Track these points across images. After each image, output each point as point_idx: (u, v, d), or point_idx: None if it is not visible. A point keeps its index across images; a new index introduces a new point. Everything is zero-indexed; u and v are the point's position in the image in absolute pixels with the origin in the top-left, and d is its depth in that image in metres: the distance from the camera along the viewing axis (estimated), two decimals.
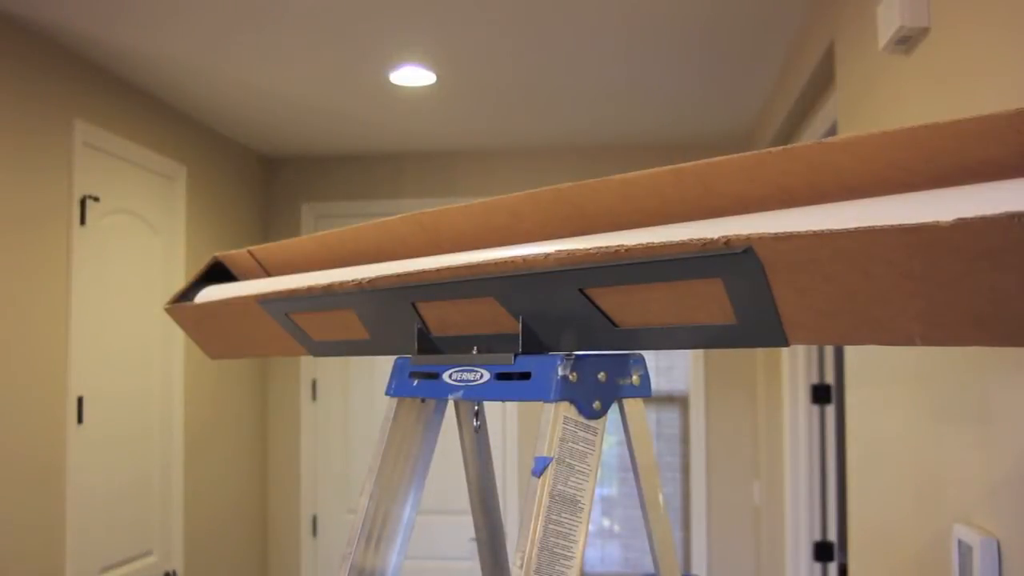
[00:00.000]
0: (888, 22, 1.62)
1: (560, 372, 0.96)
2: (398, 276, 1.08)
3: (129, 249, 3.39)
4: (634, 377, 1.02)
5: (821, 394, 3.09)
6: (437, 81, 3.29)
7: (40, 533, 2.82)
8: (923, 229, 0.62)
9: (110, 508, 3.28)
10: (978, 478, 1.31)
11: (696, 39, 2.86)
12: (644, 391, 1.03)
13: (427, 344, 1.16)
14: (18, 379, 2.66)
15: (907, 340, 0.75)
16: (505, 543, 1.26)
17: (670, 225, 0.84)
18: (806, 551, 3.10)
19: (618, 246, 0.85)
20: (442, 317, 1.13)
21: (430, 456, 1.16)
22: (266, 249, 1.39)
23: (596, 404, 0.98)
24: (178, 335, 3.71)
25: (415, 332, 1.16)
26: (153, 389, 3.58)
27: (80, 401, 3.03)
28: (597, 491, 0.96)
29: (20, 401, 2.68)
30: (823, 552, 3.06)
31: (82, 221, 3.02)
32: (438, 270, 1.02)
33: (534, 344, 1.03)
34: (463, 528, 4.31)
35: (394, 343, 1.20)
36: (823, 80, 2.50)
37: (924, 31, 1.55)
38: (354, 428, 4.52)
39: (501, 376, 1.02)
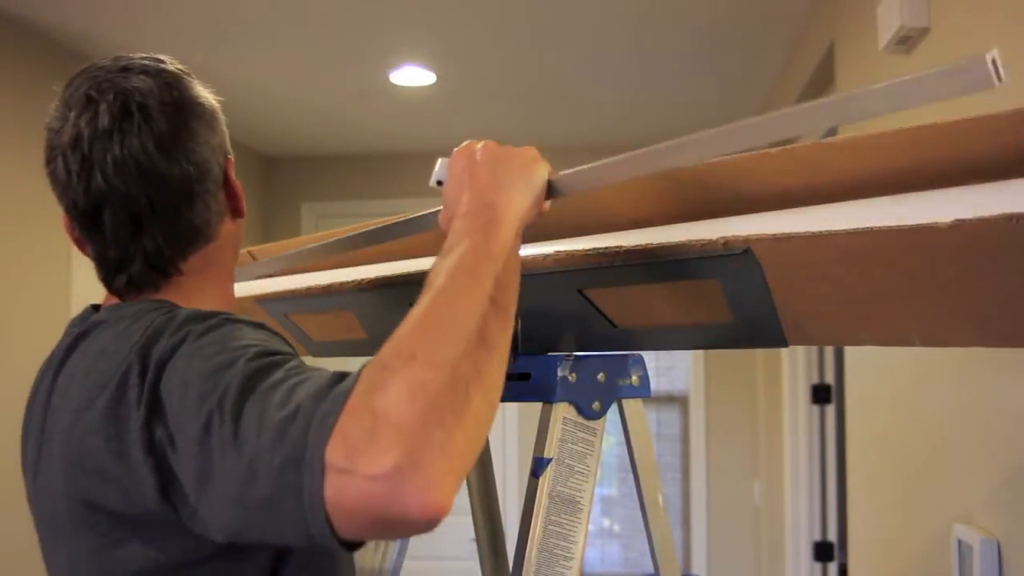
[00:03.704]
0: (888, 22, 1.62)
1: (560, 373, 0.96)
2: (397, 276, 1.08)
3: None
4: (633, 377, 1.02)
5: (821, 394, 3.09)
6: (437, 81, 3.28)
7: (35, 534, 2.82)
8: (922, 230, 0.62)
9: None
10: (978, 478, 1.31)
11: (696, 40, 2.86)
12: (644, 391, 1.03)
13: None
14: (19, 377, 2.66)
15: (906, 341, 0.75)
16: (505, 543, 1.26)
17: (669, 226, 0.84)
18: (806, 551, 3.10)
19: (617, 247, 0.85)
20: None
21: None
22: (266, 249, 1.39)
23: (595, 405, 0.98)
24: None
25: None
26: None
27: None
28: (597, 491, 0.96)
29: (21, 401, 2.68)
30: (823, 552, 3.05)
31: None
32: None
33: (534, 345, 1.03)
34: (463, 528, 4.31)
35: None
36: (823, 80, 2.49)
37: (924, 31, 1.55)
38: None
39: None
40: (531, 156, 0.82)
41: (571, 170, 0.82)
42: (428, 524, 0.57)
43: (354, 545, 0.62)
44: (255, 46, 2.95)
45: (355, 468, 0.56)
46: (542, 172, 0.81)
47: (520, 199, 0.77)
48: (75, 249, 0.86)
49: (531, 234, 0.99)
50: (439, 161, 0.86)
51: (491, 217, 0.73)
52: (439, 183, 0.85)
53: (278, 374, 0.66)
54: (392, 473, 0.55)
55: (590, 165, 0.81)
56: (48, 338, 2.92)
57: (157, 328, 0.74)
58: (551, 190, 0.82)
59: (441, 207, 0.84)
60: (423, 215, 0.94)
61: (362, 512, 0.57)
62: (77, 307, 3.35)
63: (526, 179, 0.79)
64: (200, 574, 0.72)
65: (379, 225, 1.02)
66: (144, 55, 0.86)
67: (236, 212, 0.91)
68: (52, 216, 2.96)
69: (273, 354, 0.69)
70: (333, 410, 0.59)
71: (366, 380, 0.60)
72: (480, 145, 0.82)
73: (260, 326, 0.76)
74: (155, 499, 0.69)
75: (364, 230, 1.05)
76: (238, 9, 2.63)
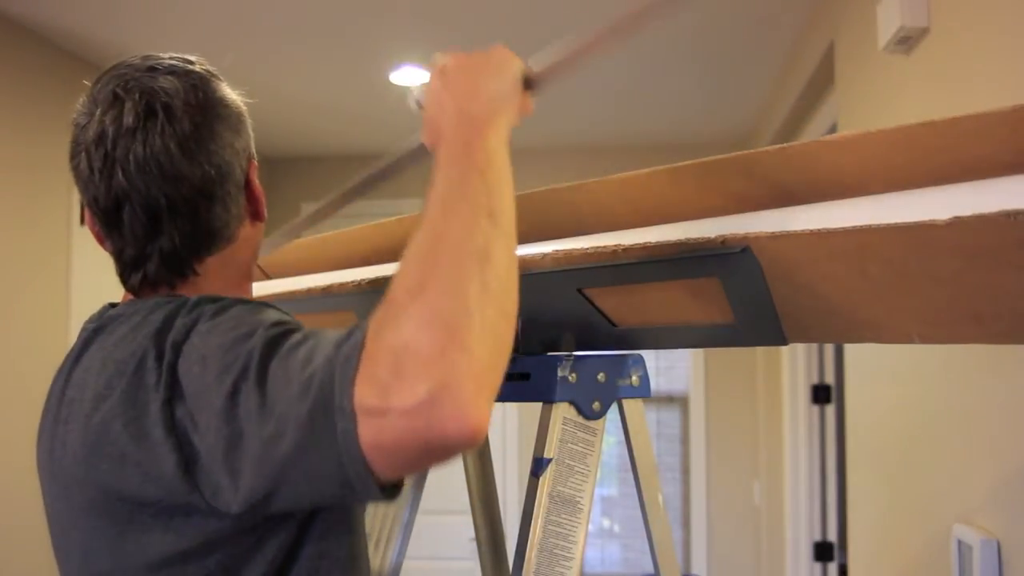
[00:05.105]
0: (888, 22, 1.62)
1: (560, 373, 0.96)
2: None
3: None
4: (633, 377, 1.02)
5: (821, 394, 3.09)
6: None
7: (39, 535, 2.82)
8: (920, 228, 0.62)
9: None
10: (978, 478, 1.31)
11: (696, 39, 2.86)
12: (643, 391, 1.03)
13: None
14: (18, 379, 2.66)
15: (905, 338, 0.75)
16: (505, 543, 1.26)
17: (668, 224, 0.84)
18: (806, 551, 3.10)
19: (615, 246, 0.85)
20: None
21: None
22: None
23: (595, 405, 0.98)
24: None
25: None
26: None
27: None
28: (597, 491, 0.96)
29: (21, 402, 2.68)
30: (823, 552, 3.05)
31: (82, 221, 3.02)
32: None
33: (533, 344, 1.03)
34: (463, 528, 4.30)
35: None
36: (823, 80, 2.49)
37: (924, 31, 1.55)
38: None
39: None
40: (501, 56, 0.81)
41: (543, 57, 0.81)
42: (469, 444, 0.58)
43: (391, 491, 0.64)
44: (253, 46, 2.95)
45: (389, 406, 0.57)
46: (515, 69, 0.81)
47: (498, 103, 0.77)
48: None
49: (531, 233, 0.99)
50: (417, 84, 0.86)
51: (472, 130, 0.73)
52: (418, 105, 0.85)
53: (298, 336, 0.68)
54: (426, 403, 0.56)
55: (559, 47, 0.80)
56: (48, 339, 2.93)
57: (170, 313, 0.76)
58: (529, 85, 0.82)
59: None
60: (409, 147, 0.94)
61: (403, 448, 0.58)
62: (77, 308, 3.34)
63: (500, 81, 0.79)
64: (217, 559, 0.72)
65: (371, 171, 1.04)
66: (173, 55, 0.87)
67: (256, 216, 0.91)
68: (52, 217, 2.97)
69: (288, 323, 0.71)
70: (354, 352, 0.60)
71: (379, 320, 0.61)
72: (449, 58, 0.82)
73: (272, 306, 0.78)
74: (177, 478, 0.69)
75: (359, 178, 1.06)
76: (236, 9, 2.63)
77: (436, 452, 0.58)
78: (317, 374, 0.62)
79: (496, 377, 0.61)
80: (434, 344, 0.58)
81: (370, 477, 0.60)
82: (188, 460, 0.69)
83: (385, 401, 0.57)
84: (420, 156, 0.92)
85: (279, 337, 0.68)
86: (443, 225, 0.66)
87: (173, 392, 0.71)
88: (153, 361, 0.73)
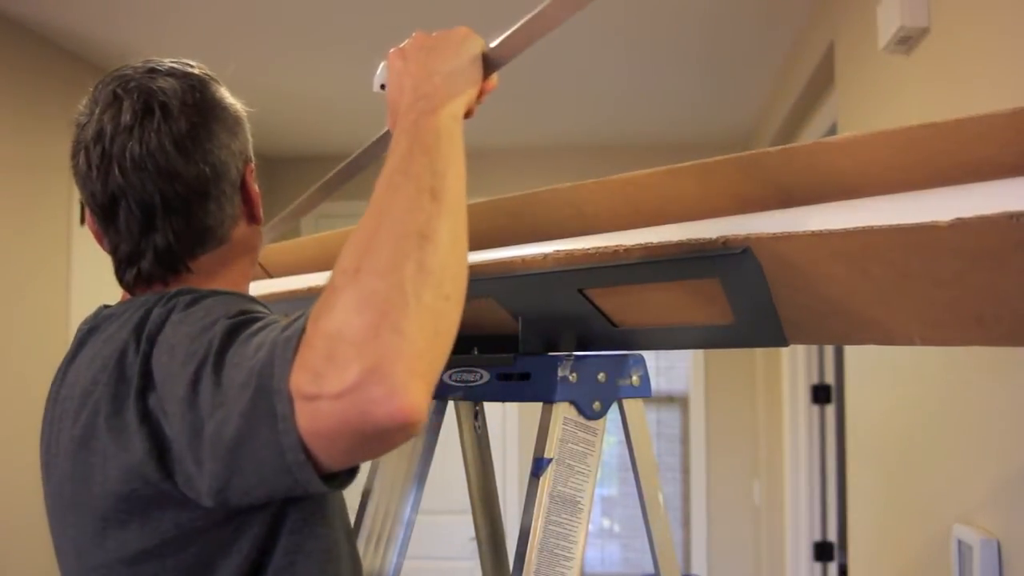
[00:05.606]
0: (888, 22, 1.62)
1: (560, 373, 0.96)
2: None
3: None
4: (634, 377, 1.02)
5: (821, 394, 3.09)
6: None
7: (41, 537, 2.81)
8: (921, 229, 0.62)
9: None
10: (978, 478, 1.31)
11: (696, 39, 2.86)
12: (644, 391, 1.03)
13: None
14: (18, 379, 2.66)
15: (906, 340, 0.75)
16: (505, 543, 1.26)
17: (668, 225, 0.84)
18: (806, 551, 3.10)
19: (616, 246, 0.85)
20: None
21: (430, 456, 1.16)
22: (267, 250, 1.39)
23: (596, 405, 0.98)
24: None
25: None
26: None
27: None
28: (597, 491, 0.96)
29: (21, 402, 2.68)
30: (823, 552, 3.05)
31: (82, 221, 3.02)
32: None
33: (534, 344, 1.03)
34: (463, 528, 4.30)
35: None
36: (823, 80, 2.49)
37: (924, 31, 1.55)
38: None
39: (501, 377, 1.03)
40: (461, 35, 0.82)
41: (500, 37, 0.82)
42: (402, 431, 0.57)
43: (340, 481, 0.64)
44: (253, 46, 2.95)
45: (321, 391, 0.57)
46: (473, 48, 0.81)
47: (454, 82, 0.77)
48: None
49: (532, 233, 0.99)
50: (381, 65, 0.86)
51: (424, 108, 0.73)
52: (382, 87, 0.85)
53: (258, 324, 0.68)
54: (355, 387, 0.56)
55: (516, 25, 0.81)
56: (48, 339, 2.93)
57: (150, 306, 0.78)
58: (489, 64, 0.82)
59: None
60: (381, 135, 0.95)
61: (338, 434, 0.58)
62: (77, 308, 3.34)
63: (457, 60, 0.80)
64: (193, 553, 0.73)
65: (346, 162, 1.05)
66: (174, 59, 0.89)
67: (253, 218, 0.92)
68: (52, 217, 2.97)
69: (255, 312, 0.72)
70: (294, 336, 0.60)
71: (319, 304, 0.61)
72: (410, 39, 0.83)
73: (247, 298, 0.79)
74: (151, 466, 0.70)
75: (334, 172, 1.07)
76: (237, 9, 2.63)
77: (370, 438, 0.58)
78: (261, 360, 0.62)
79: (433, 362, 0.60)
80: (365, 327, 0.57)
81: (309, 465, 0.60)
82: (161, 449, 0.70)
83: (319, 387, 0.57)
84: (388, 141, 0.94)
85: (239, 325, 0.69)
86: (384, 205, 0.65)
87: (146, 382, 0.72)
88: (132, 354, 0.74)
